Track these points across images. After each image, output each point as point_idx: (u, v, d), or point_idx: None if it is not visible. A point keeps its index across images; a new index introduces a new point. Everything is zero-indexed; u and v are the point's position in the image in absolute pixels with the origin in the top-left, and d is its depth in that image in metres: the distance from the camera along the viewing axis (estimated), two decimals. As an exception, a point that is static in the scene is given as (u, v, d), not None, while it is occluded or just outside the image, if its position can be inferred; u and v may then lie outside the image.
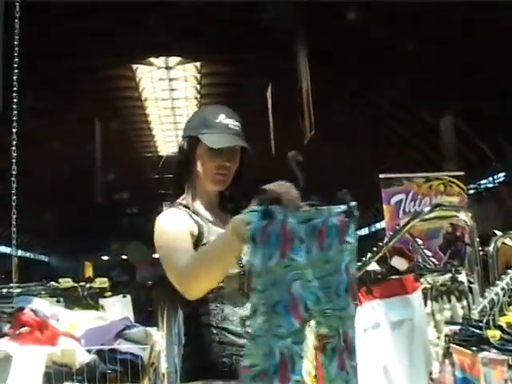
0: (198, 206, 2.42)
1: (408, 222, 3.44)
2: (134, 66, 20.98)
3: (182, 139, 2.50)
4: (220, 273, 2.12)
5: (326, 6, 13.96)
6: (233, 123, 2.41)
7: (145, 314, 8.88)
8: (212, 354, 2.25)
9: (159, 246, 2.32)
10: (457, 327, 2.43)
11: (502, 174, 20.10)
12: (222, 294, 2.27)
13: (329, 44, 15.48)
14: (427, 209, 3.41)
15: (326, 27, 15.05)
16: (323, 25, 14.88)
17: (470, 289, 3.32)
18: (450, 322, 2.91)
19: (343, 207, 1.87)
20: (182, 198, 2.43)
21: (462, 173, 5.93)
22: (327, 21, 14.80)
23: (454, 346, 2.35)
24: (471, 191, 15.57)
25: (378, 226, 31.47)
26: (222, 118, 2.41)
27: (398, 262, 4.40)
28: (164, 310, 7.44)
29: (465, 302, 3.30)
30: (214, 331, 2.26)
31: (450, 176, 6.02)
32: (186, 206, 2.39)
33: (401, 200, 6.10)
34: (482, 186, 20.15)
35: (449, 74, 15.01)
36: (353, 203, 1.87)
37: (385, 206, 6.31)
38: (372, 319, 3.28)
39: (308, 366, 4.09)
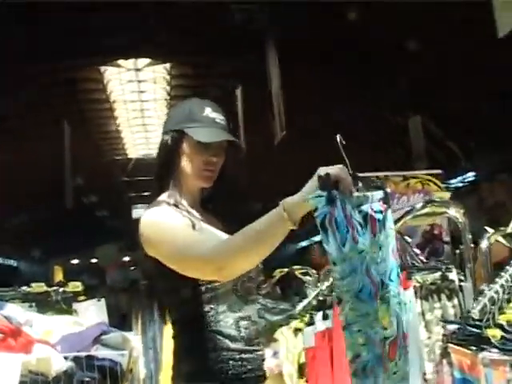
0: (185, 203, 2.32)
1: (399, 219, 3.35)
2: (102, 68, 20.76)
3: (165, 134, 2.40)
4: (265, 252, 2.00)
5: (298, 6, 13.94)
6: (219, 117, 2.35)
7: (118, 318, 8.80)
8: (207, 359, 2.16)
9: (162, 239, 2.16)
10: (454, 326, 2.39)
11: (471, 174, 20.26)
12: (217, 294, 2.19)
13: (300, 44, 15.46)
14: (419, 205, 3.35)
15: (297, 28, 15.04)
16: (295, 26, 14.87)
17: (461, 287, 3.28)
18: (447, 321, 2.87)
19: (382, 193, 1.83)
20: (166, 195, 2.31)
21: (439, 171, 5.89)
22: (298, 22, 14.78)
23: (452, 345, 2.30)
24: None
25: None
26: (209, 112, 2.33)
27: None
28: (139, 314, 7.37)
29: (456, 301, 3.25)
30: (209, 335, 2.17)
31: (427, 174, 6.00)
32: (174, 204, 2.29)
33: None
34: (452, 186, 20.29)
35: (419, 74, 15.10)
36: (388, 189, 1.85)
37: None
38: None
39: (289, 368, 4.06)
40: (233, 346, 2.16)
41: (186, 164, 2.32)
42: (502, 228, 3.29)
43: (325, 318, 3.79)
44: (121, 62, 20.63)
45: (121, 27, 15.60)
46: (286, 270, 5.72)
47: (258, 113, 15.67)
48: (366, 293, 1.73)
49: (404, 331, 1.82)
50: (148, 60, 20.74)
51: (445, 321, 2.81)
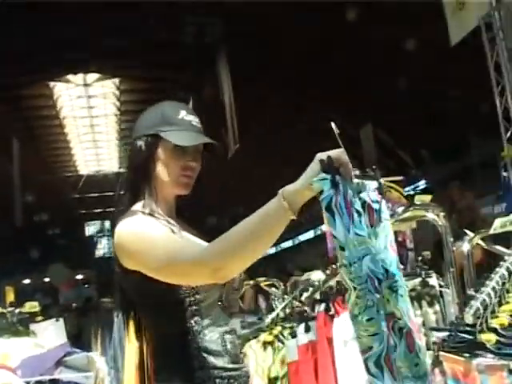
0: (161, 212, 2.18)
1: None
2: (51, 84, 20.53)
3: (137, 139, 2.20)
4: (265, 246, 1.84)
5: (247, 20, 13.99)
6: (195, 120, 2.20)
7: (75, 338, 8.61)
8: (193, 379, 2.03)
9: (144, 247, 1.97)
10: (444, 333, 2.33)
11: (422, 182, 20.59)
12: (201, 308, 2.05)
13: (251, 58, 15.49)
14: (401, 209, 3.25)
15: (247, 42, 15.07)
16: (244, 40, 14.91)
17: (441, 293, 3.23)
18: (436, 328, 2.81)
19: (376, 183, 1.77)
20: (140, 205, 2.13)
21: (400, 177, 5.88)
22: (248, 36, 14.81)
23: (443, 353, 2.24)
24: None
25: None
26: (184, 115, 2.18)
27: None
28: (98, 332, 7.20)
29: (437, 307, 3.19)
30: (194, 352, 2.04)
31: (388, 181, 6.00)
32: (150, 214, 2.10)
33: (340, 206, 6.01)
34: (405, 194, 20.49)
35: (368, 84, 15.25)
36: (381, 180, 1.78)
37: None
38: (352, 330, 3.15)
39: (259, 383, 3.99)
40: (220, 363, 2.04)
41: (161, 170, 2.13)
42: (482, 230, 3.25)
43: (307, 330, 3.67)
44: (70, 77, 20.44)
45: (69, 42, 15.41)
46: (251, 282, 5.63)
47: (210, 126, 15.56)
48: (372, 282, 1.65)
49: (409, 324, 1.76)
50: (97, 75, 20.61)
51: (434, 328, 2.76)
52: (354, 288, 1.68)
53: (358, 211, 1.69)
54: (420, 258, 4.01)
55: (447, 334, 2.29)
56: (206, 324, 2.07)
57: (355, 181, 1.74)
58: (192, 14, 14.41)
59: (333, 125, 1.83)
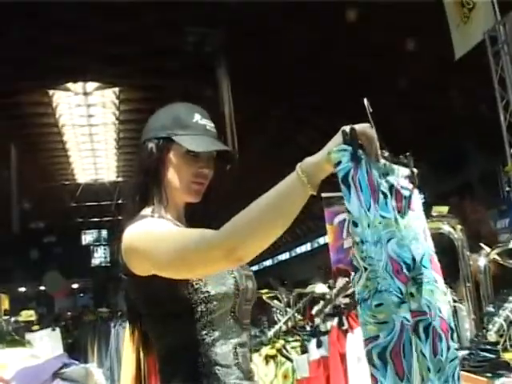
0: (171, 218, 2.02)
1: None
2: (51, 92, 20.48)
3: (148, 141, 2.07)
4: (284, 224, 1.65)
5: (247, 30, 13.96)
6: (210, 124, 2.06)
7: (70, 347, 8.49)
8: None
9: (154, 244, 1.83)
10: (464, 352, 2.21)
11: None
12: (213, 319, 1.93)
13: (251, 68, 15.46)
14: None
15: (247, 52, 15.04)
16: (244, 49, 14.87)
17: (455, 308, 3.09)
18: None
19: (409, 171, 1.64)
20: (149, 210, 1.99)
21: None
22: (248, 46, 14.79)
23: (464, 373, 2.12)
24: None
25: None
26: (198, 118, 2.04)
27: (343, 283, 4.23)
28: (94, 342, 7.08)
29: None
30: (204, 366, 1.92)
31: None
32: (160, 218, 1.97)
33: (344, 220, 5.88)
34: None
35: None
36: (415, 170, 1.65)
37: (328, 227, 6.09)
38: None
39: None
40: (231, 379, 1.93)
41: (172, 176, 2.01)
42: (499, 245, 3.15)
43: (319, 345, 3.56)
44: (69, 85, 20.39)
45: (69, 50, 15.38)
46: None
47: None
48: (386, 267, 1.52)
49: (448, 323, 1.63)
50: (97, 84, 20.56)
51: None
52: (365, 268, 1.52)
53: (384, 193, 1.57)
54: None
55: (467, 352, 2.17)
56: (218, 336, 1.94)
57: (382, 161, 1.62)
58: (192, 23, 14.36)
59: (365, 102, 1.71)
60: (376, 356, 1.48)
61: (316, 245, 31.40)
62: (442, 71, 12.08)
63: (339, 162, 1.53)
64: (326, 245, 6.30)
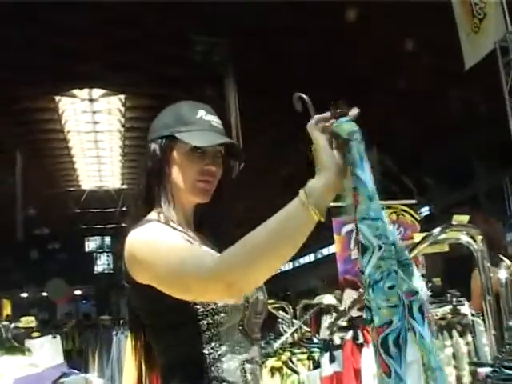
0: (178, 223, 1.92)
1: (416, 245, 2.91)
2: (57, 98, 20.45)
3: (152, 143, 1.98)
4: (287, 254, 1.54)
5: (256, 40, 13.91)
6: (216, 120, 1.96)
7: (71, 356, 8.39)
8: None
9: (156, 257, 1.73)
10: (487, 369, 2.08)
11: (425, 208, 20.65)
12: (220, 332, 1.82)
13: (259, 78, 15.39)
14: (437, 230, 2.86)
15: (256, 61, 14.99)
16: (252, 59, 14.82)
17: (473, 322, 2.97)
18: (477, 362, 2.56)
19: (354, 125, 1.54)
20: (155, 214, 1.89)
21: (413, 201, 5.73)
22: (256, 55, 14.74)
23: None
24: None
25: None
26: (203, 114, 1.93)
27: (350, 295, 4.14)
28: (96, 351, 6.96)
29: (469, 338, 2.92)
30: (209, 383, 1.81)
31: (402, 204, 5.84)
32: (166, 224, 1.86)
33: (351, 230, 5.78)
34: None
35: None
36: (355, 111, 1.56)
37: (336, 237, 6.02)
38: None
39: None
40: None
41: (177, 176, 1.91)
42: None
43: (332, 360, 3.41)
44: (75, 91, 20.35)
45: (76, 56, 15.35)
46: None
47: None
48: (390, 246, 1.41)
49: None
50: (103, 91, 20.51)
51: (475, 363, 2.53)
52: (380, 247, 1.40)
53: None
54: (429, 285, 3.81)
55: (490, 369, 2.05)
56: (225, 351, 1.81)
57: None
58: (200, 32, 14.32)
59: (304, 96, 1.64)
60: (392, 343, 1.42)
61: (320, 255, 31.29)
62: (452, 83, 11.99)
63: (351, 132, 1.45)
64: (330, 255, 6.24)
